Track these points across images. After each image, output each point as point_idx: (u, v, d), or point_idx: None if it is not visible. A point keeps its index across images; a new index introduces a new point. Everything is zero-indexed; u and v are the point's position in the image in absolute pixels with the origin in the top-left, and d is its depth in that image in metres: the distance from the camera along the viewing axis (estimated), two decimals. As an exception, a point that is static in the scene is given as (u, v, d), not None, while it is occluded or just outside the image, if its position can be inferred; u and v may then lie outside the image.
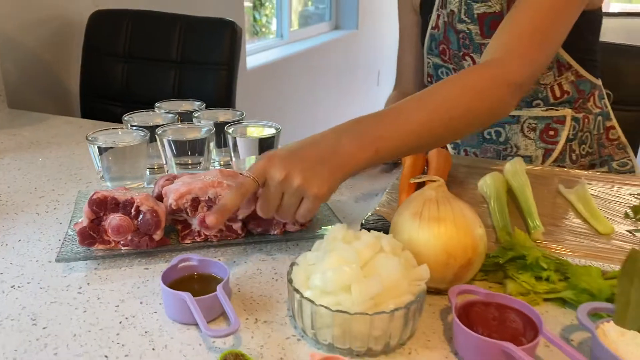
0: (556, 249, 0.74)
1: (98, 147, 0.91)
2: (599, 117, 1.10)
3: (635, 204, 0.86)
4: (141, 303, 0.66)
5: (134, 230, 0.75)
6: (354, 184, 1.01)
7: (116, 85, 1.63)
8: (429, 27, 1.12)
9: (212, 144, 1.00)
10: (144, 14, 1.65)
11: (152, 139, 0.97)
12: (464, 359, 0.58)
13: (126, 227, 0.74)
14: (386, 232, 0.68)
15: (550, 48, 0.87)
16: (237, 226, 0.79)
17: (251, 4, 3.21)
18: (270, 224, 0.80)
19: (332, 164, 0.68)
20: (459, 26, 1.05)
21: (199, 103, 1.12)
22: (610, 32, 1.48)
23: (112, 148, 0.91)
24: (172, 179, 0.82)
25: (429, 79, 1.19)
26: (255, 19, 3.34)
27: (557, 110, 1.06)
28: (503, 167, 0.94)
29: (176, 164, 0.96)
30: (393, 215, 0.71)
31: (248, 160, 0.98)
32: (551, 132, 1.07)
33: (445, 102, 0.76)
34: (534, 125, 1.07)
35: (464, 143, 1.15)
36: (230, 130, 0.97)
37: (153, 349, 0.59)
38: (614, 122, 1.12)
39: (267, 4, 3.37)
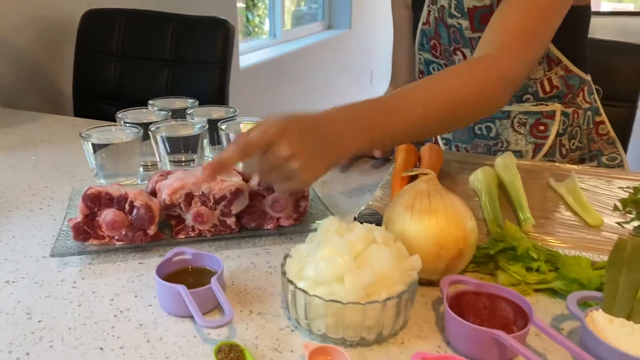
0: (546, 241, 0.75)
1: (92, 144, 0.91)
2: (589, 112, 1.11)
3: (624, 197, 0.87)
4: (136, 296, 0.67)
5: (128, 225, 0.75)
6: (347, 179, 1.02)
7: (109, 84, 1.64)
8: (420, 22, 1.13)
9: (205, 141, 1.00)
10: (136, 13, 1.65)
11: (146, 137, 0.97)
12: (456, 348, 0.58)
13: (120, 222, 0.75)
14: (379, 225, 0.68)
15: (540, 44, 0.89)
16: (230, 221, 0.79)
17: (244, 5, 3.22)
18: (264, 218, 0.81)
19: (329, 155, 0.69)
20: (450, 21, 1.06)
21: (192, 100, 1.12)
22: (600, 30, 1.50)
23: (105, 145, 0.92)
24: (165, 174, 0.82)
25: (420, 75, 1.20)
26: (248, 20, 3.35)
27: (546, 105, 1.08)
28: (494, 161, 0.95)
29: (170, 161, 0.97)
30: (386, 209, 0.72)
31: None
32: (541, 127, 1.08)
33: (439, 94, 0.78)
34: (524, 120, 1.08)
35: (455, 139, 1.17)
36: (223, 127, 0.97)
37: (148, 341, 0.59)
38: (604, 117, 1.14)
39: (259, 4, 3.38)
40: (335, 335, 0.58)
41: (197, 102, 1.12)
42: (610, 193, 0.91)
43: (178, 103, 1.11)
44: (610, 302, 0.58)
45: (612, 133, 1.14)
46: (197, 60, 1.58)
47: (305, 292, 0.57)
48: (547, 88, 1.06)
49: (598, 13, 3.45)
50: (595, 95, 1.14)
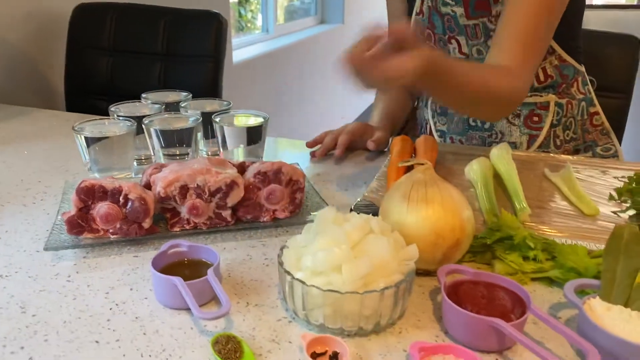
0: (543, 230, 0.75)
1: (85, 138, 0.90)
2: (583, 103, 1.11)
3: (618, 186, 0.87)
4: (131, 289, 0.66)
5: (122, 218, 0.74)
6: (342, 172, 1.02)
7: (101, 79, 1.62)
8: (414, 12, 1.13)
9: (199, 134, 0.99)
10: (128, 6, 1.63)
11: (139, 131, 0.96)
12: (454, 337, 0.58)
13: (115, 216, 0.74)
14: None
15: (545, 47, 0.97)
16: (226, 213, 0.79)
17: (236, 0, 3.20)
18: (260, 211, 0.80)
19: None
20: (444, 9, 1.05)
21: (186, 93, 1.12)
22: (593, 23, 1.49)
23: (99, 138, 0.91)
24: (159, 167, 0.82)
25: None
26: (240, 15, 3.33)
27: (540, 96, 1.08)
28: (489, 153, 0.95)
29: (164, 155, 0.96)
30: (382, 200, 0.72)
31: (236, 151, 0.98)
32: (535, 118, 1.08)
33: (480, 80, 0.86)
34: (518, 111, 1.08)
35: (449, 130, 1.16)
36: (217, 120, 0.97)
37: (144, 334, 0.59)
38: (598, 108, 1.14)
39: (252, -1, 3.36)
40: (333, 326, 0.58)
41: (191, 95, 1.11)
42: (605, 183, 0.91)
43: (171, 96, 1.10)
44: (608, 289, 0.58)
45: (607, 124, 1.14)
46: (190, 54, 1.57)
47: (302, 282, 0.57)
48: (542, 78, 1.06)
49: (591, 6, 3.46)
50: (590, 86, 1.14)
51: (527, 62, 0.91)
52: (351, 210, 0.80)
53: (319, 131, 1.13)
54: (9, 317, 0.61)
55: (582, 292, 0.62)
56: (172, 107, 1.05)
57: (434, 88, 0.82)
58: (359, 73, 0.70)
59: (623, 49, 1.32)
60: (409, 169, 0.90)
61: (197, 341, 0.58)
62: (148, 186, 0.79)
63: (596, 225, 0.77)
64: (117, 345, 0.57)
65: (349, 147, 1.07)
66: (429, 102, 1.20)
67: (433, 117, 1.19)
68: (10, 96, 1.57)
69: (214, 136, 1.01)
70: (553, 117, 1.08)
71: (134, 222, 0.74)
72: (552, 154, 1.03)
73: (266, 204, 0.80)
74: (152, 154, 0.99)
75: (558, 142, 1.10)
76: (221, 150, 0.99)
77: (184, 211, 0.77)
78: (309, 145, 1.11)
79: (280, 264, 0.60)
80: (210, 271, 0.62)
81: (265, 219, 0.80)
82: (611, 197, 0.84)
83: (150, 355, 0.55)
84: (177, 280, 0.61)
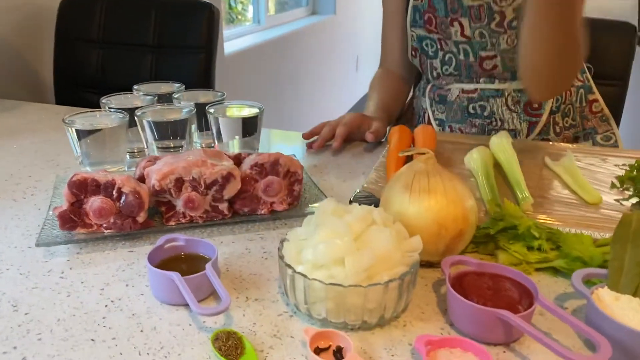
0: (546, 220, 0.73)
1: (76, 131, 0.88)
2: (581, 90, 1.11)
3: (620, 174, 0.86)
4: (127, 286, 0.64)
5: (116, 212, 0.72)
6: (340, 163, 1.00)
7: (91, 71, 1.59)
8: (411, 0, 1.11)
9: (193, 126, 0.97)
10: (117, -3, 1.60)
11: (132, 123, 0.94)
12: (460, 329, 0.57)
13: (108, 210, 0.72)
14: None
15: None
16: (223, 206, 0.77)
17: (227, -9, 3.16)
18: (258, 203, 0.78)
19: None
20: None
21: (179, 85, 1.09)
22: (589, 11, 1.49)
23: (90, 131, 0.88)
24: (153, 160, 0.80)
25: (413, 53, 1.18)
26: (230, 7, 3.29)
27: None
28: (488, 141, 0.94)
29: (157, 147, 0.94)
30: (382, 191, 0.70)
31: (232, 143, 0.96)
32: (535, 105, 1.07)
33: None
34: (517, 98, 1.07)
35: (448, 119, 1.15)
36: (212, 111, 0.95)
37: (141, 331, 0.57)
38: (597, 95, 1.13)
39: (242, -10, 3.32)
40: (336, 320, 0.56)
41: (184, 86, 1.09)
42: (605, 171, 0.90)
43: (164, 88, 1.08)
44: (616, 279, 0.57)
45: (606, 110, 1.13)
46: (182, 45, 1.54)
47: (304, 276, 0.55)
48: None
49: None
50: (588, 74, 1.14)
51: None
52: (350, 201, 0.79)
53: (312, 122, 1.11)
54: (0, 315, 0.59)
55: (588, 282, 0.61)
56: (165, 99, 1.03)
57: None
58: None
59: (619, 36, 1.31)
60: (408, 159, 0.89)
61: (197, 338, 0.56)
62: (142, 179, 0.77)
63: (599, 214, 0.76)
64: (114, 343, 0.55)
65: (346, 138, 1.05)
66: (427, 91, 1.18)
67: (431, 105, 1.17)
68: (-2, 90, 1.54)
69: (208, 128, 0.98)
70: (552, 103, 1.07)
71: (128, 216, 0.72)
72: (551, 142, 1.02)
73: (264, 197, 0.78)
74: (145, 146, 0.97)
75: (557, 129, 1.09)
76: (216, 142, 0.97)
77: (179, 204, 0.75)
78: (305, 136, 1.09)
79: (281, 257, 0.59)
80: (208, 265, 0.60)
81: (263, 212, 0.79)
82: (613, 185, 0.83)
83: (148, 354, 0.54)
84: (174, 275, 0.59)
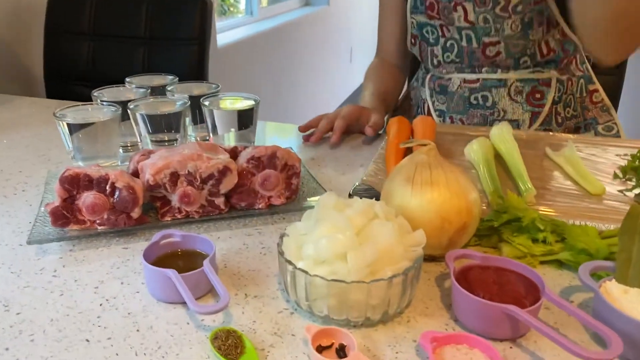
0: (548, 212, 0.72)
1: (67, 125, 0.86)
2: (581, 80, 1.09)
3: (622, 164, 0.85)
4: (122, 283, 0.63)
5: (110, 208, 0.70)
6: (338, 156, 0.99)
7: (82, 64, 1.56)
8: None
9: (187, 119, 0.95)
10: (108, -12, 1.57)
11: (125, 116, 0.92)
12: (465, 325, 0.56)
13: (101, 206, 0.70)
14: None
15: None
16: (219, 201, 0.75)
17: (218, -17, 3.12)
18: (255, 197, 0.77)
19: None
20: None
21: (172, 77, 1.07)
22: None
23: (82, 125, 0.86)
24: (147, 154, 0.78)
25: (412, 40, 1.16)
26: (222, -2, 3.25)
27: (542, 72, 1.05)
28: (489, 132, 0.92)
29: (151, 141, 0.92)
30: (382, 183, 0.69)
31: (227, 136, 0.94)
32: (537, 95, 1.05)
33: None
34: (520, 88, 1.06)
35: (449, 110, 1.13)
36: (206, 103, 0.93)
37: (137, 330, 0.55)
38: (597, 85, 1.12)
39: (235, -19, 3.28)
40: (339, 317, 0.55)
41: (177, 78, 1.07)
42: (607, 161, 0.89)
43: (157, 80, 1.06)
44: (624, 271, 0.56)
45: (607, 100, 1.12)
46: (174, 37, 1.52)
47: (305, 272, 0.54)
48: (545, 51, 1.04)
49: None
50: (587, 64, 1.12)
51: None
52: (350, 195, 0.77)
53: (306, 114, 1.09)
54: (-9, 316, 0.57)
55: (594, 274, 0.60)
56: (158, 91, 1.00)
57: None
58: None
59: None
60: (407, 151, 0.88)
61: (195, 337, 0.54)
62: (136, 174, 0.75)
63: (603, 205, 0.75)
64: (109, 343, 0.53)
65: (344, 131, 1.04)
66: (427, 81, 1.16)
67: (431, 96, 1.15)
68: (-13, 84, 1.51)
69: (202, 121, 0.96)
70: (555, 93, 1.05)
71: (122, 212, 0.71)
72: (551, 133, 1.01)
73: (261, 190, 0.77)
74: (139, 140, 0.95)
75: (559, 120, 1.07)
76: (211, 135, 0.95)
77: (174, 199, 0.74)
78: (302, 129, 1.07)
79: (281, 253, 0.57)
80: (206, 262, 0.59)
81: (260, 206, 0.77)
82: (616, 176, 0.82)
83: (145, 354, 0.52)
84: (171, 272, 0.57)
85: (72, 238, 0.70)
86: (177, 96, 0.97)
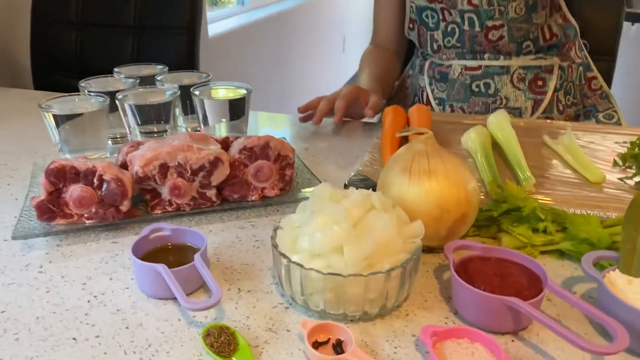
0: (548, 201, 0.70)
1: (53, 116, 0.83)
2: (580, 68, 1.08)
3: (621, 152, 0.84)
4: (111, 279, 0.60)
5: (98, 201, 0.68)
6: (332, 146, 0.97)
7: (70, 54, 1.53)
8: None
9: (177, 110, 0.93)
10: (95, -24, 1.54)
11: (113, 107, 0.89)
12: (465, 318, 0.54)
13: (89, 199, 0.68)
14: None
15: None
16: (211, 193, 0.73)
17: (209, -29, 3.08)
18: (248, 189, 0.75)
19: None
20: None
21: (161, 66, 1.04)
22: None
23: (69, 116, 0.84)
24: (136, 145, 0.75)
25: (410, 25, 1.13)
26: (213, -12, 3.21)
27: (545, 58, 1.04)
28: (486, 120, 0.90)
29: (140, 132, 0.89)
30: (378, 174, 0.67)
31: (218, 127, 0.92)
32: (539, 82, 1.04)
33: None
34: (523, 75, 1.04)
35: (449, 98, 1.11)
36: (197, 93, 0.90)
37: (127, 328, 0.53)
38: (596, 72, 1.10)
39: (226, -30, 3.24)
40: (335, 311, 0.53)
41: (167, 68, 1.04)
42: (606, 149, 0.87)
43: (146, 70, 1.03)
44: (628, 261, 0.54)
45: (606, 87, 1.11)
46: (164, 26, 1.49)
47: (300, 265, 0.52)
48: (547, 35, 1.02)
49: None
50: (585, 52, 1.11)
51: None
52: (345, 185, 0.75)
53: (300, 104, 1.07)
54: (-26, 315, 0.55)
55: (597, 264, 0.58)
56: (147, 81, 0.98)
57: None
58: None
59: (607, 10, 1.28)
60: (403, 140, 0.86)
61: (187, 334, 0.52)
62: (125, 166, 0.73)
63: (604, 193, 0.73)
64: (97, 341, 0.51)
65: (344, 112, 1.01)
66: (426, 68, 1.14)
67: (431, 84, 1.13)
68: (-28, 75, 1.48)
69: (193, 112, 0.94)
70: (557, 81, 1.04)
71: (110, 205, 0.68)
72: (549, 121, 0.99)
73: (254, 182, 0.75)
74: (128, 131, 0.93)
75: (560, 107, 1.06)
76: (202, 126, 0.93)
77: (164, 192, 0.71)
78: (301, 110, 1.04)
79: (275, 246, 0.55)
80: (197, 256, 0.57)
81: (253, 198, 0.75)
82: (615, 163, 0.80)
83: (134, 352, 0.50)
84: (161, 267, 0.55)
85: (58, 233, 0.67)
86: (167, 86, 0.94)
